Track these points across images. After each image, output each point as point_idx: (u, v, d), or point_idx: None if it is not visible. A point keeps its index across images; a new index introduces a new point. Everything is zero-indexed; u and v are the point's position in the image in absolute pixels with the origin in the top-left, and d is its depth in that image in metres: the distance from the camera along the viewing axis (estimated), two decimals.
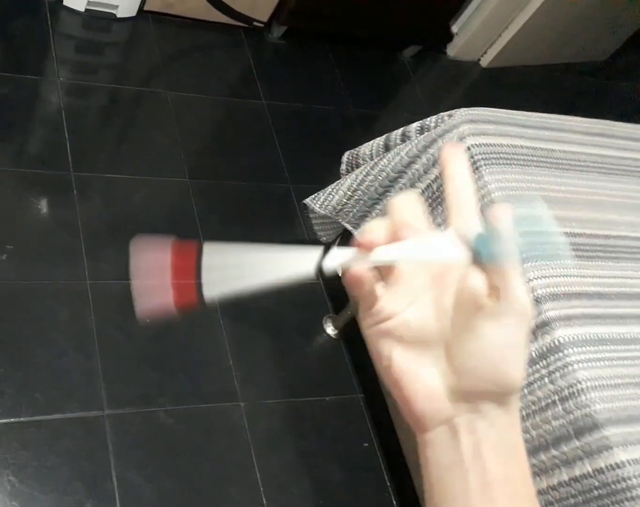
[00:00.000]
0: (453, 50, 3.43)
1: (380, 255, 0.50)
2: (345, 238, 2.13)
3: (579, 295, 1.50)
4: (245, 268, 0.52)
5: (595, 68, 3.92)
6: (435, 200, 1.75)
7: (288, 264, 0.52)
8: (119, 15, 2.63)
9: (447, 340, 0.51)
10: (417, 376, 0.51)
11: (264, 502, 1.83)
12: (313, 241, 2.16)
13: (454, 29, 3.38)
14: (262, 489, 1.84)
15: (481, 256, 0.48)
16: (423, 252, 0.50)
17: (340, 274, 0.53)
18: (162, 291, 0.52)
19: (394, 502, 1.96)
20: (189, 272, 0.52)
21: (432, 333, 0.51)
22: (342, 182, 1.99)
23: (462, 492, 0.50)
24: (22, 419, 1.72)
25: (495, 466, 0.49)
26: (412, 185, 1.80)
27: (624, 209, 1.73)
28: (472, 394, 0.50)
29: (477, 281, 0.48)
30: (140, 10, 2.69)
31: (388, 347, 0.52)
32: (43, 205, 2.09)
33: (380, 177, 1.86)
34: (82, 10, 2.57)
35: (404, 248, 0.50)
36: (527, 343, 0.49)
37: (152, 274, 0.53)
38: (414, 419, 0.52)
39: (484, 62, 3.50)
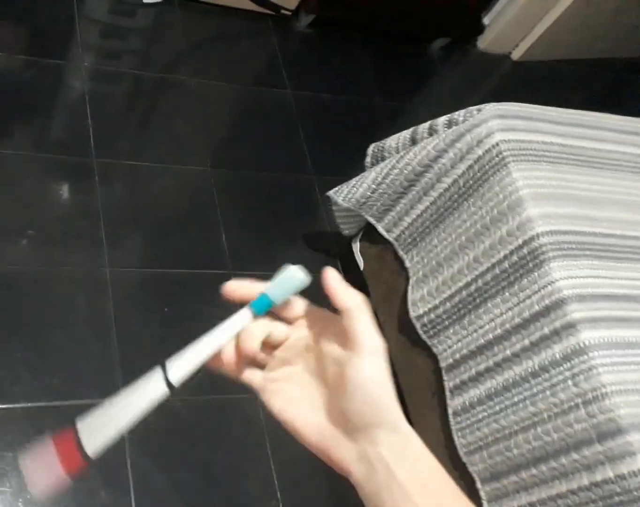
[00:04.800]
0: (483, 43, 3.39)
1: (195, 359, 0.63)
2: (367, 232, 2.11)
3: (606, 297, 1.47)
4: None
5: (627, 64, 3.86)
6: (462, 195, 1.73)
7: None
8: (145, 1, 2.61)
9: (328, 388, 0.62)
10: (304, 420, 0.64)
11: (279, 495, 1.82)
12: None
13: (486, 21, 3.34)
14: (276, 482, 1.83)
15: (257, 312, 0.63)
16: (219, 338, 0.64)
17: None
18: (50, 465, 0.60)
19: None
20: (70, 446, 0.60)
21: (312, 386, 0.64)
22: (366, 174, 1.97)
23: None
24: (38, 404, 1.72)
25: (411, 478, 0.56)
26: (439, 180, 1.78)
27: None
28: (363, 428, 0.57)
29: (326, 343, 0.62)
30: None
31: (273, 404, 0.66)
32: (64, 191, 2.09)
33: (405, 171, 1.84)
34: None
35: (206, 344, 0.64)
36: (386, 374, 0.58)
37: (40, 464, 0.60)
38: (335, 464, 0.60)
39: (515, 55, 3.45)
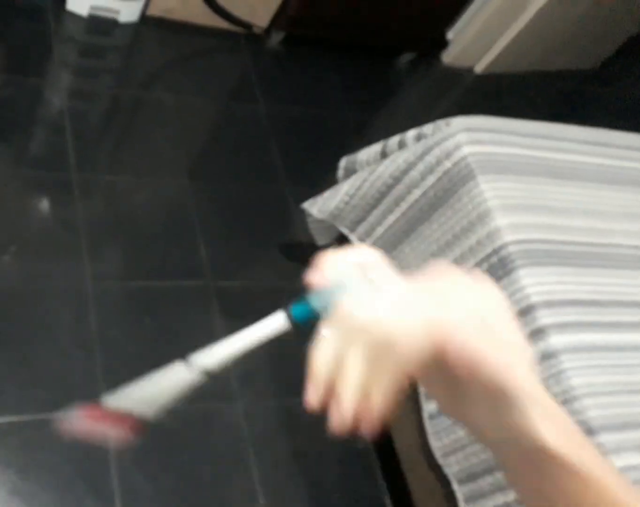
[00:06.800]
0: (448, 57, 3.46)
1: (220, 355, 0.59)
2: (341, 242, 2.15)
3: (574, 302, 1.52)
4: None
5: (587, 75, 3.95)
6: (432, 206, 1.77)
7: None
8: (121, 20, 2.65)
9: None
10: None
11: (261, 500, 1.85)
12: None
13: (449, 36, 3.41)
14: (258, 487, 1.87)
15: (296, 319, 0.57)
16: (251, 338, 0.59)
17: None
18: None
19: (389, 501, 1.98)
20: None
21: None
22: (339, 187, 2.01)
23: None
24: (24, 417, 1.74)
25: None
26: (409, 192, 1.82)
27: (620, 218, 1.75)
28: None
29: None
30: (142, 15, 2.71)
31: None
32: (45, 207, 2.12)
33: (377, 183, 1.88)
34: (85, 14, 2.59)
35: (234, 343, 0.59)
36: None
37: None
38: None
39: (478, 68, 3.52)
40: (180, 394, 0.61)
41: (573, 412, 1.38)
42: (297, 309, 0.57)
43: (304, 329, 0.57)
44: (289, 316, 0.57)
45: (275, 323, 0.58)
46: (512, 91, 3.57)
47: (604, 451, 1.33)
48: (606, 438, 1.35)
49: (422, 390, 1.74)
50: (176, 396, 0.61)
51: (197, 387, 0.60)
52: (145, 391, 0.63)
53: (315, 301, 0.56)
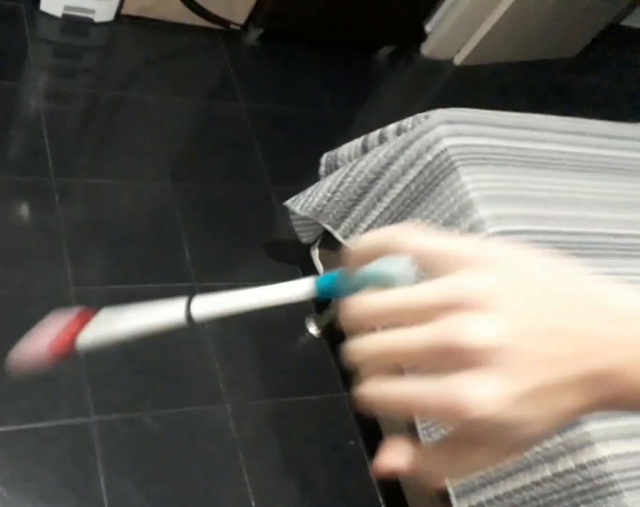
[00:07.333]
0: (427, 49, 3.45)
1: (224, 305, 0.55)
2: (325, 239, 2.15)
3: None
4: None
5: (565, 64, 3.96)
6: (414, 200, 1.77)
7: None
8: (96, 20, 2.63)
9: None
10: None
11: (252, 503, 1.84)
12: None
13: (428, 28, 3.41)
14: (249, 489, 1.86)
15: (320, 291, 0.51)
16: (261, 296, 0.54)
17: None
18: (41, 342, 0.59)
19: (380, 499, 1.98)
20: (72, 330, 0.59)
21: None
22: (321, 184, 2.00)
23: None
24: (9, 428, 1.72)
25: None
26: (391, 186, 1.82)
27: (600, 206, 1.76)
28: None
29: None
30: (118, 14, 2.69)
31: None
32: (25, 212, 2.09)
33: (358, 179, 1.88)
34: (59, 15, 2.56)
35: (242, 296, 0.54)
36: None
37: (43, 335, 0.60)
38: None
39: (458, 60, 3.53)
40: (159, 329, 0.58)
41: None
42: (324, 281, 0.51)
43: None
44: (317, 285, 0.51)
45: (300, 288, 0.52)
46: (491, 82, 3.58)
47: (590, 440, 1.34)
48: (593, 427, 1.35)
49: None
50: (153, 330, 0.58)
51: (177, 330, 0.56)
52: (131, 314, 0.59)
53: (346, 281, 0.49)
